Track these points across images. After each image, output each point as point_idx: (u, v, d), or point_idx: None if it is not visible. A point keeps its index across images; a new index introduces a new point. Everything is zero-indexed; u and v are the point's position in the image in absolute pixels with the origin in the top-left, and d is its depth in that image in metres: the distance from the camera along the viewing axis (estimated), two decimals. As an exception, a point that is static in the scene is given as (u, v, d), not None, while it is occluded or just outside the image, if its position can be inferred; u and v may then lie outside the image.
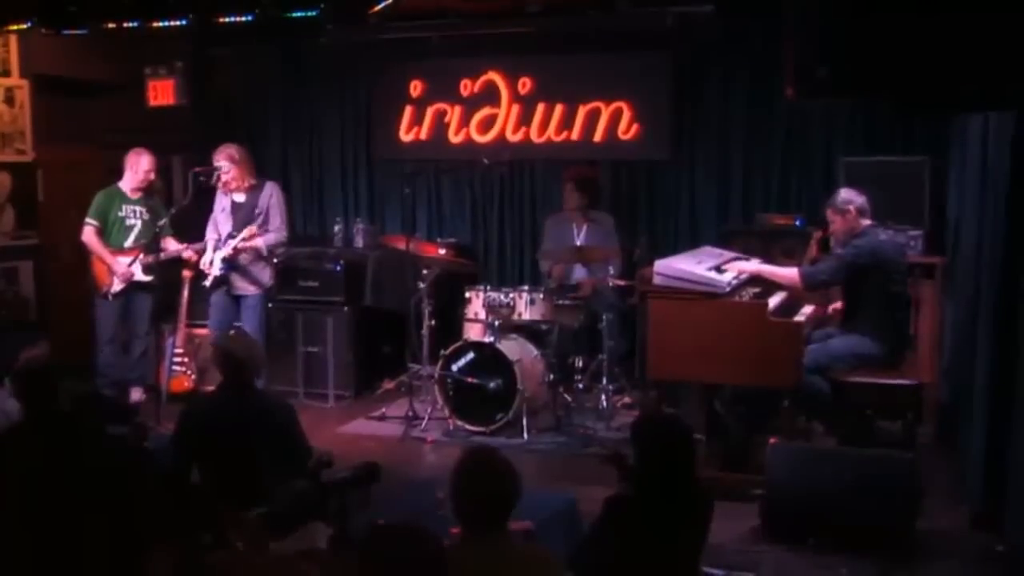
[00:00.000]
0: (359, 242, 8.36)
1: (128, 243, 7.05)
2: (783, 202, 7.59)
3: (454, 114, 8.41)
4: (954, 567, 4.67)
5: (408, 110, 8.56)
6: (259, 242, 6.69)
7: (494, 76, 8.29)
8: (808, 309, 5.98)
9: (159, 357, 7.36)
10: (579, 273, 7.34)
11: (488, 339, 6.65)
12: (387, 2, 7.19)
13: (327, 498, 3.80)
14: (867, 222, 5.67)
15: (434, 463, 6.22)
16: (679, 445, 3.58)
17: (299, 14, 7.24)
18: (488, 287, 6.95)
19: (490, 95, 8.31)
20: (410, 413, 6.79)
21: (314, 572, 3.35)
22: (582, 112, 8.06)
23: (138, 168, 7.06)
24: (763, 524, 4.95)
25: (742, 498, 5.09)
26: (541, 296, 6.88)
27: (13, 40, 7.91)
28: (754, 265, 5.95)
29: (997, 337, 4.80)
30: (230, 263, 6.72)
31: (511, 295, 6.87)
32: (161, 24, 7.39)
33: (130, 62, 8.61)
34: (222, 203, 6.87)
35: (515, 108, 8.24)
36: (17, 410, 4.36)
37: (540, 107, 8.18)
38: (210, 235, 6.88)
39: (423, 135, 8.53)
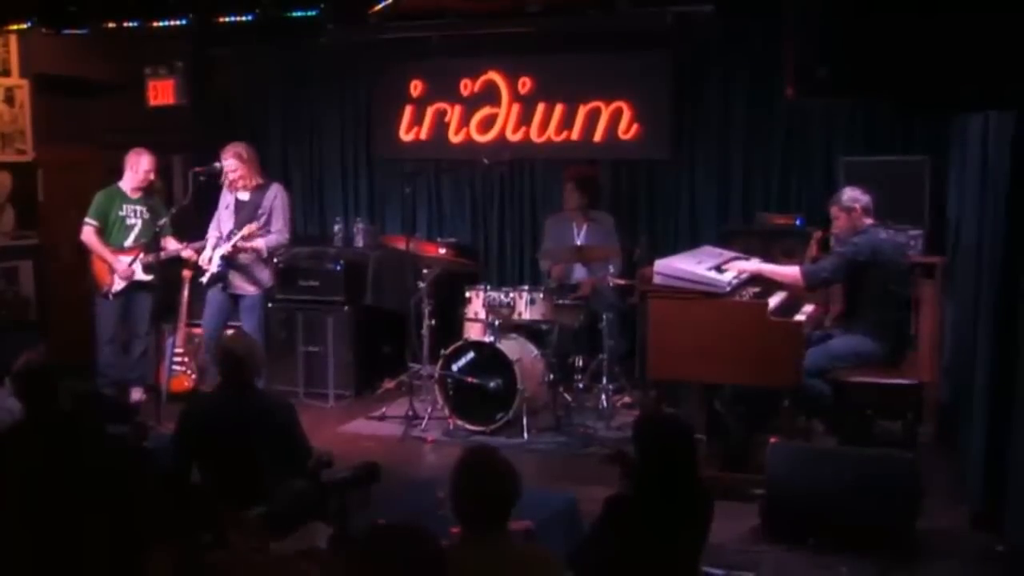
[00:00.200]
0: (359, 242, 8.36)
1: (128, 242, 7.06)
2: (783, 202, 7.59)
3: (454, 114, 8.41)
4: (954, 567, 4.67)
5: (408, 110, 8.56)
6: (260, 243, 6.68)
7: (494, 76, 8.29)
8: (809, 308, 5.98)
9: (159, 357, 7.35)
10: (579, 273, 7.34)
11: (488, 339, 6.65)
12: (387, 2, 7.19)
13: (327, 498, 3.80)
14: (870, 221, 5.68)
15: (434, 463, 6.22)
16: (679, 445, 3.58)
17: (299, 14, 7.24)
18: (488, 287, 6.95)
19: (490, 95, 8.31)
20: (410, 413, 6.79)
21: (314, 572, 3.34)
22: (582, 112, 8.06)
23: (138, 168, 7.06)
24: (763, 524, 4.95)
25: (742, 498, 5.08)
26: (541, 296, 6.88)
27: (13, 40, 7.91)
28: (755, 264, 5.95)
29: (997, 337, 4.80)
30: (229, 261, 6.70)
31: (511, 295, 6.87)
32: (161, 24, 7.40)
33: (130, 62, 8.61)
34: (226, 200, 6.87)
35: (515, 108, 8.24)
36: (19, 408, 4.36)
37: (540, 107, 8.18)
38: (212, 232, 6.87)
39: (423, 135, 8.53)
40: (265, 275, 6.85)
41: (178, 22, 7.41)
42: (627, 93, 7.95)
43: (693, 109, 7.87)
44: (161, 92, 8.64)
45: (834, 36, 2.98)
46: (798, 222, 7.20)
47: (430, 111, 8.48)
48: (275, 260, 6.97)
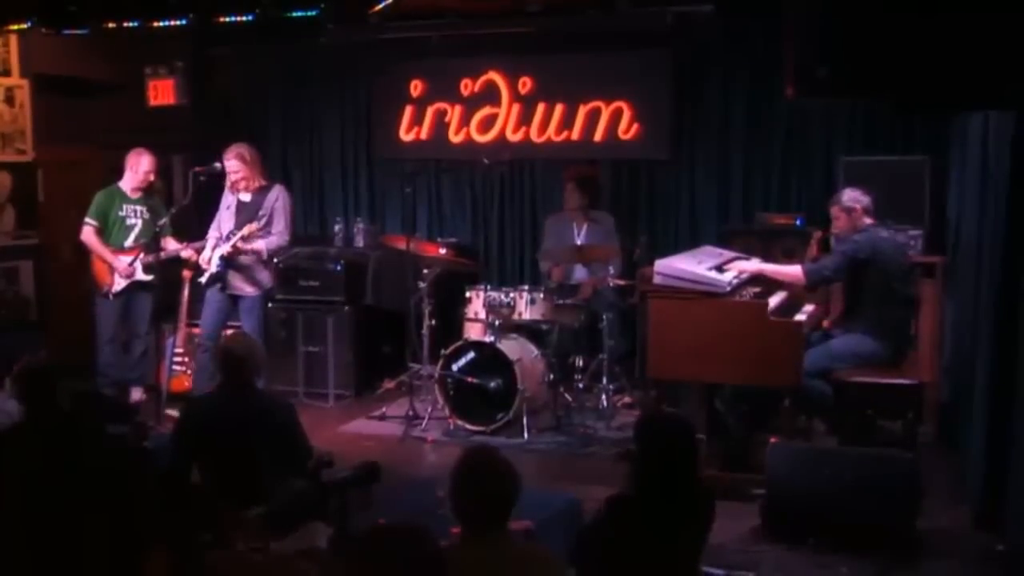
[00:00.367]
0: (359, 242, 8.36)
1: (128, 242, 7.06)
2: (783, 202, 7.60)
3: (454, 114, 8.41)
4: (954, 567, 4.67)
5: (408, 110, 8.56)
6: (260, 244, 6.65)
7: (494, 76, 8.29)
8: (809, 308, 5.98)
9: (159, 357, 7.36)
10: (579, 273, 7.34)
11: (488, 339, 6.65)
12: (387, 2, 7.19)
13: (327, 498, 3.80)
14: (870, 221, 5.69)
15: (434, 463, 6.22)
16: (680, 445, 3.58)
17: (299, 14, 7.24)
18: (488, 287, 6.95)
19: (490, 95, 8.31)
20: (410, 413, 6.79)
21: (313, 572, 3.34)
22: (582, 112, 8.07)
23: (138, 168, 7.06)
24: (763, 524, 4.95)
25: (742, 498, 5.09)
26: (541, 296, 6.88)
27: (13, 40, 7.91)
28: (756, 264, 5.96)
29: (998, 336, 4.80)
30: (228, 261, 6.68)
31: (511, 295, 6.87)
32: (161, 24, 7.40)
33: (130, 62, 8.62)
34: (227, 201, 6.84)
35: (515, 108, 8.25)
36: (17, 410, 4.36)
37: (540, 107, 8.18)
38: (212, 233, 6.84)
39: (423, 135, 8.54)
40: (265, 276, 6.82)
41: (178, 22, 7.41)
42: (627, 93, 7.95)
43: (693, 109, 7.87)
44: (161, 92, 8.65)
45: (834, 36, 2.98)
46: (798, 222, 7.21)
47: (430, 111, 8.49)
48: (275, 261, 6.96)
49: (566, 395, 6.96)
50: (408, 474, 5.83)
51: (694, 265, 5.53)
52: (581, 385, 7.11)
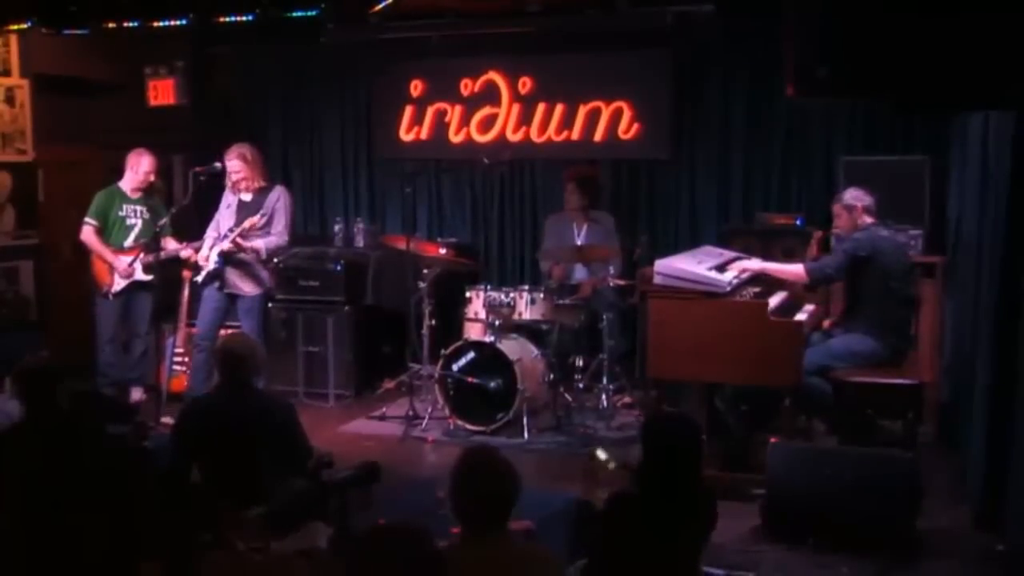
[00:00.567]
0: (360, 242, 8.36)
1: (128, 242, 7.06)
2: (783, 202, 7.60)
3: (454, 114, 8.42)
4: (954, 567, 4.67)
5: (408, 110, 8.56)
6: (259, 244, 6.63)
7: (494, 76, 8.30)
8: (809, 308, 5.98)
9: (159, 357, 7.36)
10: (579, 273, 7.34)
11: (488, 339, 6.65)
12: (387, 2, 7.19)
13: (327, 498, 3.80)
14: (870, 220, 5.70)
15: (434, 463, 6.22)
16: (682, 445, 3.58)
17: (299, 14, 7.24)
18: (488, 287, 6.95)
19: (490, 95, 8.31)
20: (410, 413, 6.79)
21: (303, 567, 3.34)
22: (582, 112, 8.07)
23: (138, 168, 7.06)
24: (763, 524, 4.95)
25: (742, 497, 5.09)
26: (541, 296, 6.88)
27: (13, 40, 7.91)
28: (758, 263, 5.96)
29: (998, 336, 4.80)
30: (227, 258, 6.65)
31: (511, 295, 6.87)
32: (161, 24, 7.41)
33: (130, 62, 8.63)
34: (228, 200, 6.81)
35: (515, 108, 8.25)
36: (18, 411, 4.36)
37: (540, 107, 8.18)
38: (210, 232, 6.80)
39: (423, 135, 8.54)
40: (263, 276, 6.79)
41: (178, 22, 7.42)
42: (627, 93, 7.95)
43: (693, 109, 7.87)
44: (161, 92, 8.66)
45: (834, 36, 2.98)
46: (798, 222, 7.21)
47: (430, 111, 8.49)
48: (275, 261, 6.95)
49: (566, 395, 6.96)
50: (408, 474, 5.83)
51: (694, 265, 5.52)
52: (581, 385, 7.10)
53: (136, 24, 7.33)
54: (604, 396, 6.89)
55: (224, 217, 6.78)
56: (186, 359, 7.13)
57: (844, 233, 5.81)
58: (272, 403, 4.73)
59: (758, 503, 5.01)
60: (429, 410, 6.83)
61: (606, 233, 7.32)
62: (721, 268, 5.64)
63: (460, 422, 6.65)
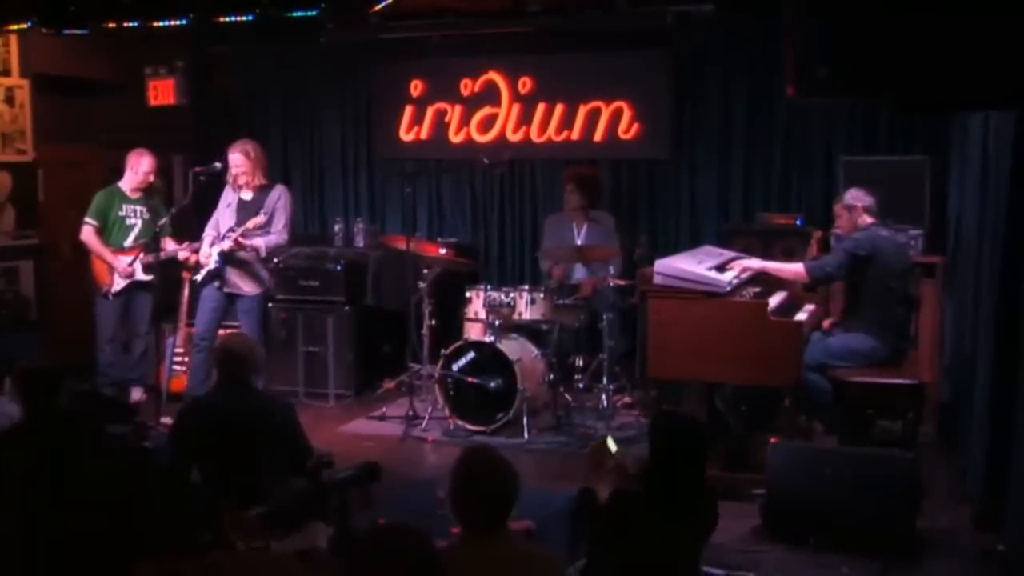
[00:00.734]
0: (360, 242, 8.36)
1: (128, 242, 7.06)
2: (783, 202, 7.60)
3: (454, 114, 8.42)
4: (955, 566, 4.67)
5: (408, 110, 8.56)
6: (259, 242, 6.63)
7: (494, 76, 8.30)
8: (810, 307, 5.98)
9: (159, 357, 7.36)
10: (579, 273, 7.34)
11: (488, 339, 6.65)
12: (387, 2, 7.20)
13: (327, 498, 3.80)
14: (871, 220, 5.71)
15: (434, 463, 6.22)
16: (684, 446, 3.59)
17: (299, 14, 7.25)
18: (488, 287, 6.95)
19: (490, 95, 8.31)
20: (410, 413, 6.79)
21: (297, 567, 3.34)
22: (582, 112, 8.07)
23: (138, 169, 7.06)
24: (763, 523, 4.95)
25: (742, 497, 5.09)
26: (541, 296, 6.88)
27: (13, 40, 7.92)
28: (758, 262, 5.96)
29: (998, 336, 4.80)
30: (227, 257, 6.65)
31: (511, 295, 6.86)
32: (161, 24, 7.41)
33: (130, 62, 8.63)
34: (228, 198, 6.80)
35: (515, 108, 8.25)
36: (18, 413, 4.36)
37: (540, 107, 8.18)
38: (209, 231, 6.78)
39: (423, 134, 8.54)
40: (263, 275, 6.79)
41: (178, 22, 7.43)
42: (627, 93, 7.95)
43: (693, 109, 7.87)
44: (161, 92, 8.66)
45: (834, 36, 2.98)
46: (798, 222, 7.21)
47: (430, 111, 8.49)
48: (275, 260, 6.95)
49: (566, 395, 6.96)
50: (408, 474, 5.83)
51: (694, 265, 5.53)
52: (581, 385, 7.11)
53: (136, 24, 7.34)
54: (604, 396, 6.89)
55: (224, 216, 6.77)
56: (186, 359, 7.13)
57: (844, 233, 5.82)
58: (272, 403, 4.74)
59: (758, 503, 5.01)
60: (429, 410, 6.83)
61: (606, 233, 7.32)
62: (721, 268, 5.64)
63: (460, 422, 6.65)
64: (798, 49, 3.07)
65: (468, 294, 7.02)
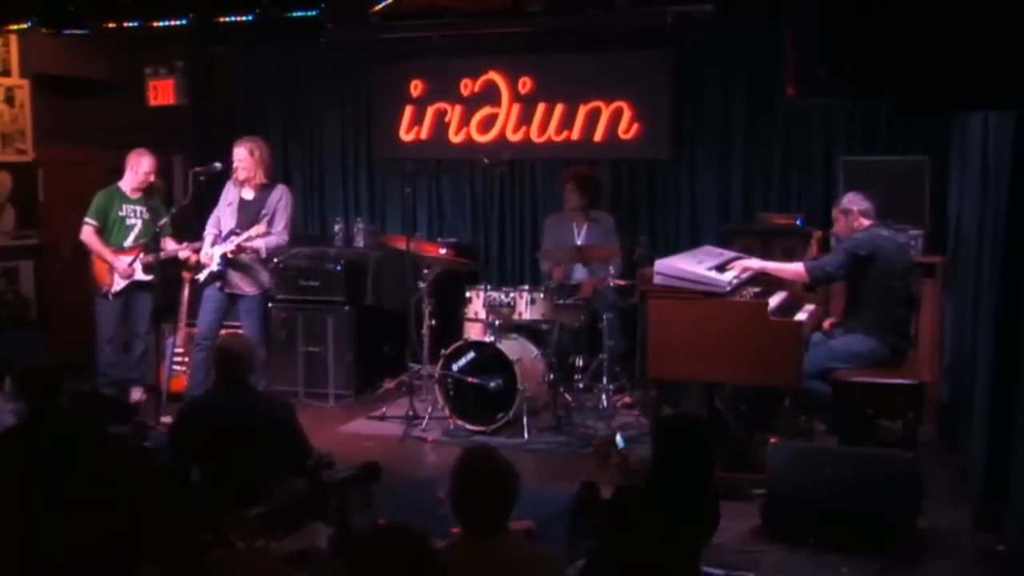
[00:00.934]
0: (360, 242, 8.36)
1: (128, 242, 7.06)
2: (783, 202, 7.60)
3: (454, 114, 8.42)
4: (955, 566, 4.67)
5: (408, 109, 8.56)
6: (259, 243, 6.61)
7: (494, 76, 8.30)
8: (810, 307, 5.98)
9: (159, 357, 7.36)
10: (579, 273, 7.34)
11: (488, 339, 6.64)
12: (387, 2, 7.20)
13: (327, 498, 3.80)
14: (868, 223, 5.71)
15: (434, 463, 6.22)
16: (685, 446, 3.59)
17: (299, 14, 7.26)
18: (488, 287, 6.94)
19: (490, 95, 8.31)
20: (410, 413, 6.79)
21: (290, 568, 3.34)
22: (582, 112, 8.07)
23: (138, 169, 7.07)
24: (763, 523, 4.95)
25: (742, 498, 5.09)
26: (541, 296, 6.87)
27: (13, 40, 7.92)
28: (758, 262, 5.97)
29: (998, 336, 4.80)
30: (229, 260, 6.65)
31: (511, 295, 6.86)
32: (161, 24, 7.42)
33: (130, 62, 8.63)
34: (229, 197, 6.79)
35: (515, 108, 8.25)
36: (17, 413, 4.36)
37: (540, 107, 8.18)
38: (210, 229, 6.78)
39: (423, 134, 8.54)
40: (264, 276, 6.79)
41: (178, 22, 7.43)
42: (627, 93, 7.95)
43: (693, 109, 7.87)
44: (161, 92, 8.66)
45: (834, 36, 2.97)
46: (798, 222, 7.21)
47: (430, 111, 8.49)
48: (275, 260, 6.94)
49: (566, 395, 6.96)
50: (408, 474, 5.83)
51: (694, 265, 5.52)
52: (581, 385, 7.11)
53: (136, 24, 7.34)
54: (604, 396, 6.89)
55: (225, 215, 6.76)
56: (186, 359, 7.13)
57: (842, 236, 5.83)
58: (271, 403, 4.74)
59: (758, 503, 5.00)
60: (429, 410, 6.83)
61: (606, 233, 7.32)
62: (721, 268, 5.64)
63: (460, 422, 6.65)
64: (798, 49, 3.07)
65: (468, 294, 7.02)
